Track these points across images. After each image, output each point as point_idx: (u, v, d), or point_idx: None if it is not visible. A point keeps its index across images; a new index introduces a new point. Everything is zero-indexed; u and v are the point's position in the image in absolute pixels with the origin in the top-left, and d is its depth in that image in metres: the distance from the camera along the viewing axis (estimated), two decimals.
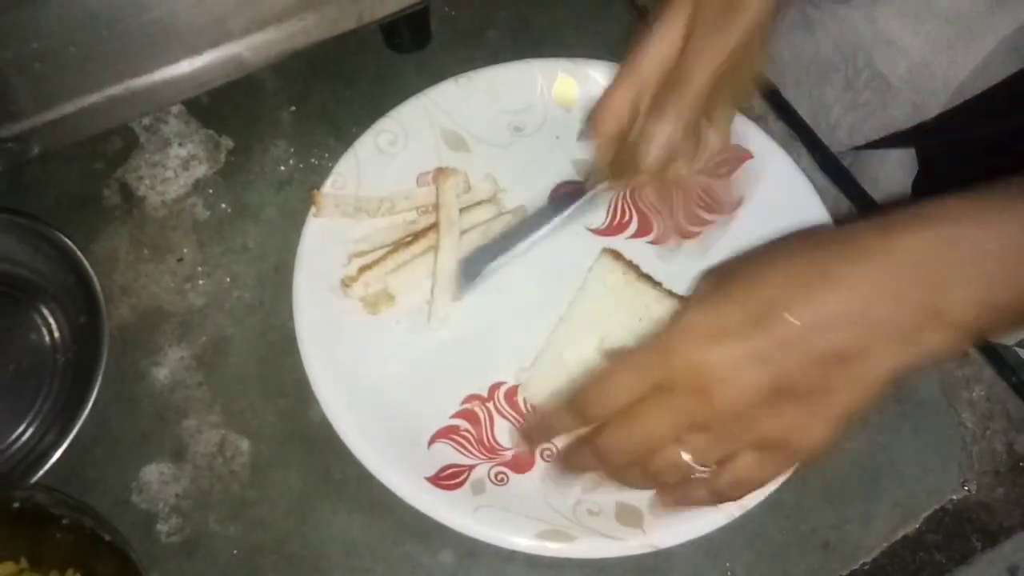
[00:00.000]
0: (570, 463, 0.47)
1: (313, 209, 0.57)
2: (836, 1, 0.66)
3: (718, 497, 0.43)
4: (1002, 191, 0.39)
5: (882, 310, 0.39)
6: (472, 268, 0.56)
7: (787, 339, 0.39)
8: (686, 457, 0.42)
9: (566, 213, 0.56)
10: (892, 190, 0.68)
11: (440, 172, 0.58)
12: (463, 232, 0.57)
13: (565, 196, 0.59)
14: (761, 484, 0.44)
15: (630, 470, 0.44)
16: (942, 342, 0.39)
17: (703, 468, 0.42)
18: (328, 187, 0.58)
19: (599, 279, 0.55)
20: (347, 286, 0.55)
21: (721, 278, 0.43)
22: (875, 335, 0.39)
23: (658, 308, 0.54)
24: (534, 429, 0.51)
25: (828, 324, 0.39)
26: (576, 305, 0.55)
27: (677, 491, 0.45)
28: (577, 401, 0.44)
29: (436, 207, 0.57)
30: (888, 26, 0.61)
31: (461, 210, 0.57)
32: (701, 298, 0.43)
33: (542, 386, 0.53)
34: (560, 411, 0.45)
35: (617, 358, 0.44)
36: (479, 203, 0.58)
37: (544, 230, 0.56)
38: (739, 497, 0.44)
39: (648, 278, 0.56)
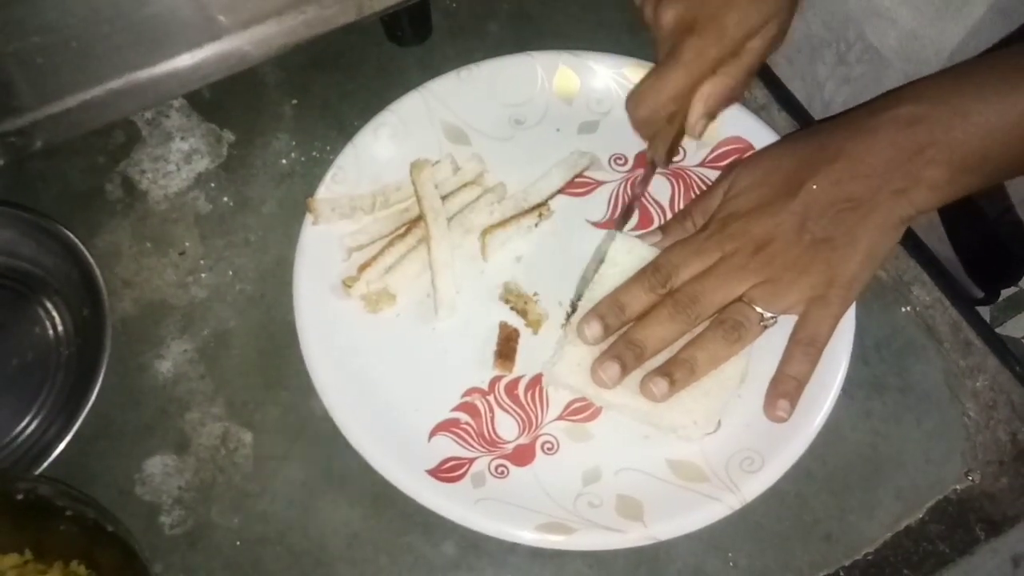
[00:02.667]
0: (652, 331, 0.51)
1: (311, 217, 0.57)
2: None
3: (811, 354, 0.51)
4: (976, 71, 0.51)
5: (877, 169, 0.50)
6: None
7: (813, 200, 0.51)
8: (757, 309, 0.51)
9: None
10: None
11: (414, 166, 0.58)
12: (451, 217, 0.57)
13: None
14: (832, 327, 0.51)
15: (713, 334, 0.51)
16: (928, 198, 0.51)
17: (771, 316, 0.51)
18: (323, 191, 0.58)
19: (623, 250, 0.55)
20: (348, 286, 0.55)
21: (749, 169, 0.54)
22: (876, 188, 0.50)
23: None
24: (608, 311, 0.52)
25: (839, 181, 0.51)
26: (597, 285, 0.54)
27: (779, 378, 0.51)
28: (652, 270, 0.52)
29: (417, 200, 0.57)
30: None
31: (448, 195, 0.57)
32: (740, 187, 0.54)
33: (570, 372, 0.52)
34: (629, 285, 0.52)
35: (677, 243, 0.54)
36: (464, 186, 0.58)
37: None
38: (823, 346, 0.51)
39: None
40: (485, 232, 0.57)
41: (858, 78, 0.65)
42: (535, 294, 0.56)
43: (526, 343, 0.55)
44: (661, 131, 0.56)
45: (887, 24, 0.61)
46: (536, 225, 0.58)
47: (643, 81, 0.54)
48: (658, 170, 0.60)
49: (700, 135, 0.56)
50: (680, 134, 0.57)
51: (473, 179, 0.59)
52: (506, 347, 0.55)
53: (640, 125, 0.55)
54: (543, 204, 0.58)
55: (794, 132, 0.62)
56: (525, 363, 0.55)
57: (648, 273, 0.52)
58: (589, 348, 0.52)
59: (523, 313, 0.55)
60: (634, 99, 0.54)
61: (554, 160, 0.60)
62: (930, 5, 0.58)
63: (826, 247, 0.51)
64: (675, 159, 0.60)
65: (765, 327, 0.52)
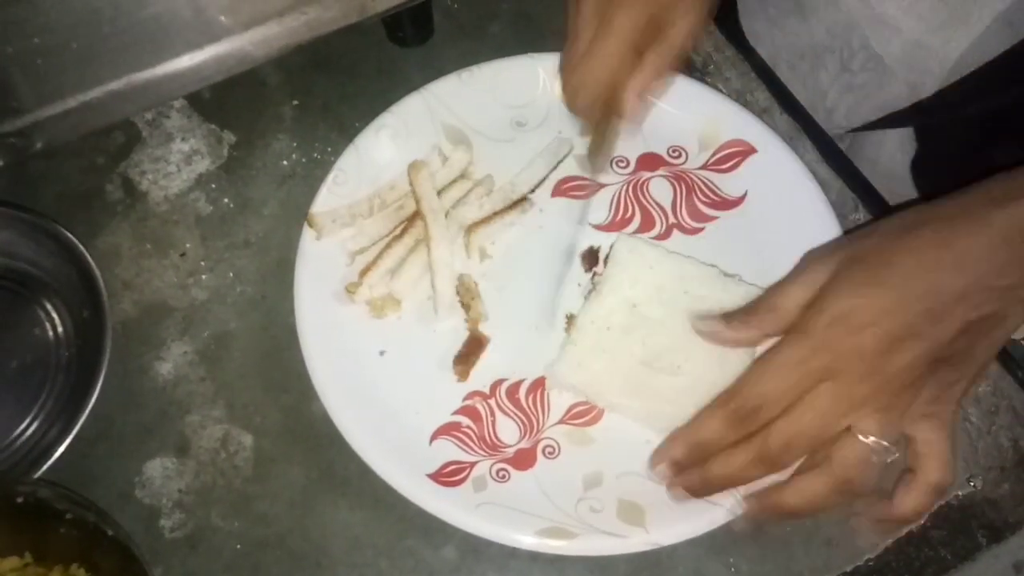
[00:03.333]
0: (728, 470, 0.46)
1: (313, 233, 0.56)
2: None
3: (936, 481, 0.46)
4: None
5: (1007, 275, 0.44)
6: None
7: (937, 314, 0.44)
8: (867, 440, 0.44)
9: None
10: (892, 171, 0.67)
11: (411, 167, 0.58)
12: (446, 214, 0.57)
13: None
14: (945, 448, 0.46)
15: (819, 482, 0.45)
16: None
17: (887, 446, 0.44)
18: (324, 193, 0.57)
19: (624, 249, 0.55)
20: (351, 292, 0.55)
21: (848, 264, 0.46)
22: (1007, 299, 0.44)
23: (690, 268, 0.55)
24: (682, 450, 0.47)
25: (969, 296, 0.43)
26: (603, 284, 0.54)
27: (882, 506, 0.47)
28: (737, 403, 0.45)
29: (416, 200, 0.57)
30: (882, 6, 0.60)
31: (441, 191, 0.58)
32: (839, 285, 0.45)
33: (572, 371, 0.52)
34: (710, 419, 0.46)
35: (761, 361, 0.46)
36: (454, 181, 0.58)
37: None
38: (944, 470, 0.46)
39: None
40: (470, 230, 0.57)
41: (861, 86, 0.64)
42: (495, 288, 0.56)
43: (527, 346, 0.55)
44: (598, 123, 0.55)
45: (891, 32, 0.60)
46: (524, 212, 0.58)
47: (576, 56, 0.52)
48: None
49: (633, 120, 0.54)
50: (613, 134, 0.56)
51: (460, 172, 0.59)
52: (469, 353, 0.54)
53: (579, 102, 0.54)
54: (523, 199, 0.58)
55: (889, 219, 0.49)
56: (527, 366, 0.55)
57: (732, 407, 0.46)
58: (591, 347, 0.52)
59: (467, 308, 0.55)
60: (572, 70, 0.52)
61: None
62: (935, 14, 0.58)
63: (943, 368, 0.45)
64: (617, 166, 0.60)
65: (878, 462, 0.45)
